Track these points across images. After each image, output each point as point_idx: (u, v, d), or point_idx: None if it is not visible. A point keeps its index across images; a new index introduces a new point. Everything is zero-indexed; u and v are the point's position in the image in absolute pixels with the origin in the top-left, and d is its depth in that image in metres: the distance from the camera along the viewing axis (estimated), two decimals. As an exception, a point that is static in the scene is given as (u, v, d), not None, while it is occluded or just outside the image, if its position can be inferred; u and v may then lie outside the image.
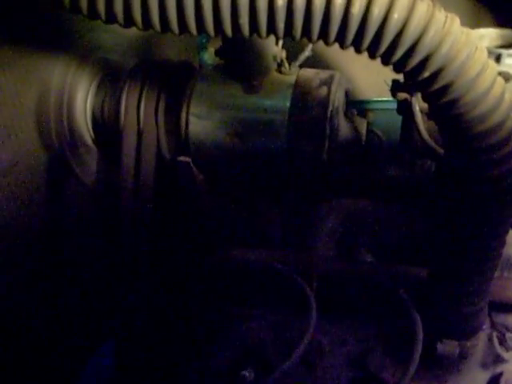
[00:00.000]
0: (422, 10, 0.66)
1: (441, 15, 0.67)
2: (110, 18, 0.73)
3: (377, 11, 0.65)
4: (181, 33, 0.72)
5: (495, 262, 0.85)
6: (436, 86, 0.69)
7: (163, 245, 1.24)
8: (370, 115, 1.58)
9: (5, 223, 1.06)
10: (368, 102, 1.58)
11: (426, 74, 0.68)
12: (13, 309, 1.13)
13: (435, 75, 0.68)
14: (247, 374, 1.02)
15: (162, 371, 1.19)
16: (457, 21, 0.68)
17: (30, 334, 1.16)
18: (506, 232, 0.81)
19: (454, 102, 0.69)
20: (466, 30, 0.70)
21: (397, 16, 0.65)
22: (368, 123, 1.29)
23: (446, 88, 0.68)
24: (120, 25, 0.74)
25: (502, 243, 0.82)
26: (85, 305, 1.27)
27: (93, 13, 0.73)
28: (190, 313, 1.14)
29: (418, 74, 0.68)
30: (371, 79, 1.31)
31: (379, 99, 1.52)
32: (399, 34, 0.65)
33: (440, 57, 0.66)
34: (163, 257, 1.24)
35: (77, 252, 1.27)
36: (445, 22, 0.67)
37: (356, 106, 1.41)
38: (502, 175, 0.75)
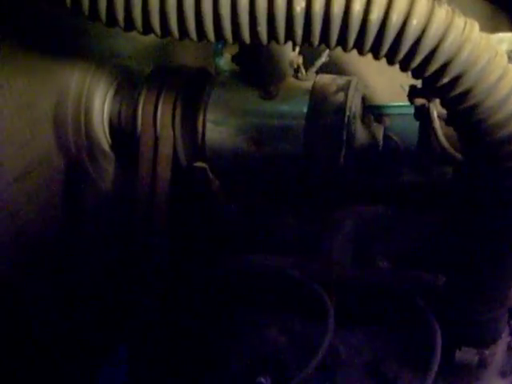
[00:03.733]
0: (440, 16, 0.66)
1: (460, 21, 0.67)
2: (129, 25, 0.73)
3: (395, 18, 0.65)
4: (199, 40, 0.72)
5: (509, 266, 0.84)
6: (455, 92, 0.68)
7: (178, 250, 1.25)
8: (387, 120, 1.58)
9: (22, 227, 1.07)
10: (384, 106, 1.58)
11: (445, 80, 0.68)
12: (28, 312, 1.14)
13: (454, 81, 0.67)
14: (264, 381, 1.03)
15: (177, 378, 1.20)
16: (476, 26, 0.68)
17: (45, 338, 1.17)
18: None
19: (473, 108, 0.69)
20: (485, 35, 0.70)
21: (415, 22, 0.65)
22: (384, 128, 1.29)
23: (465, 94, 0.68)
24: (139, 32, 0.75)
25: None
26: (99, 309, 1.29)
27: (112, 20, 0.74)
28: (205, 319, 1.14)
29: (437, 80, 0.68)
30: (387, 84, 1.31)
31: (395, 104, 1.52)
32: (418, 41, 0.65)
33: (459, 63, 0.66)
34: (178, 262, 1.25)
35: (93, 255, 1.28)
36: (464, 27, 0.67)
37: (372, 110, 1.41)
38: None
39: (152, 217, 1.17)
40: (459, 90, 0.68)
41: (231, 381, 1.07)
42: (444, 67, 0.67)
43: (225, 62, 1.26)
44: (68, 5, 0.76)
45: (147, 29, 0.73)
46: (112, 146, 1.23)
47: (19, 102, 1.05)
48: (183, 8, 0.69)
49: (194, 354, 1.15)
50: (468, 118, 0.70)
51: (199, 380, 1.11)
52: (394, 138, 1.49)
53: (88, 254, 1.26)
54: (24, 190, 1.07)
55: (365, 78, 1.49)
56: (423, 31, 0.65)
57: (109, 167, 1.25)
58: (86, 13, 0.75)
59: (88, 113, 1.18)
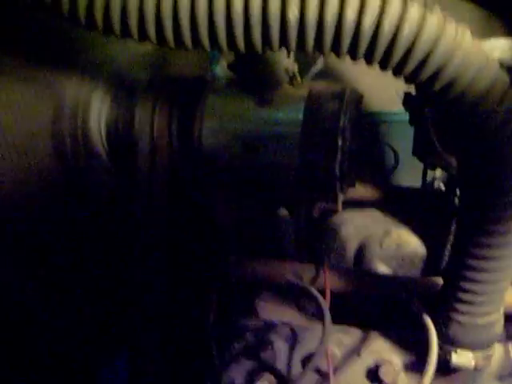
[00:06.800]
0: (432, 22, 0.67)
1: (451, 28, 0.68)
2: (125, 33, 0.75)
3: (388, 25, 0.66)
4: (194, 48, 0.74)
5: (508, 272, 0.85)
6: (449, 97, 0.70)
7: (177, 255, 1.26)
8: (383, 127, 1.60)
9: (21, 232, 1.09)
10: (380, 113, 1.60)
11: (438, 85, 0.70)
12: (26, 317, 1.16)
13: (447, 87, 0.69)
14: None
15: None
16: (467, 33, 0.70)
17: (43, 338, 1.18)
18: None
19: (467, 112, 0.70)
20: (477, 41, 0.71)
21: (408, 29, 0.67)
22: (380, 135, 1.30)
23: (458, 99, 0.70)
24: (134, 39, 0.77)
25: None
26: (98, 312, 1.30)
27: (108, 28, 0.75)
28: (204, 324, 1.15)
29: (430, 86, 0.70)
30: (383, 91, 1.33)
31: (391, 111, 1.53)
32: (410, 47, 0.67)
33: (451, 69, 0.68)
34: (178, 267, 1.26)
35: (91, 261, 1.29)
36: (456, 34, 0.68)
37: (368, 118, 1.43)
38: None
39: (151, 223, 1.19)
40: (452, 95, 0.69)
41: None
42: (436, 73, 0.68)
43: (221, 69, 1.28)
44: (65, 13, 0.77)
45: (143, 36, 0.75)
46: (109, 154, 1.24)
47: (17, 114, 1.07)
48: (178, 17, 0.71)
49: (193, 359, 1.17)
50: (463, 120, 0.72)
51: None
52: (390, 143, 1.52)
53: (87, 259, 1.28)
54: (24, 197, 1.10)
55: (361, 85, 1.51)
56: (415, 38, 0.67)
57: (105, 174, 1.26)
58: (83, 21, 0.76)
59: (85, 121, 1.19)
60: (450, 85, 0.68)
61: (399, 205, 1.28)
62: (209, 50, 0.75)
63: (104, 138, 1.21)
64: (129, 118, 1.18)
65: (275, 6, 0.68)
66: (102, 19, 0.75)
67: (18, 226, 1.09)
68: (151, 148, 1.15)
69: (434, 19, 0.67)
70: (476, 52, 0.69)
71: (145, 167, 1.16)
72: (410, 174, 1.47)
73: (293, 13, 0.67)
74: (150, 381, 1.19)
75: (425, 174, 1.34)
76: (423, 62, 0.67)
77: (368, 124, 1.39)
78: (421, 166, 1.24)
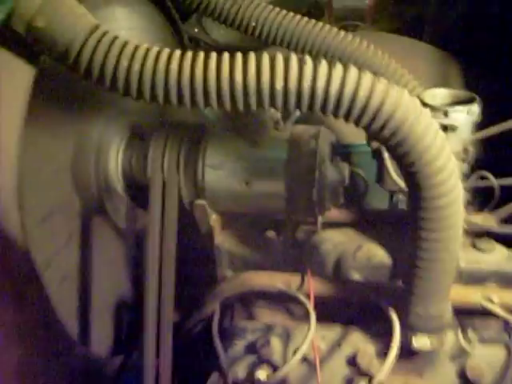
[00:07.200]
0: (380, 88, 0.91)
1: (393, 90, 0.92)
2: (139, 97, 0.99)
3: (347, 91, 0.90)
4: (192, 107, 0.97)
5: (449, 271, 1.07)
6: (393, 142, 0.92)
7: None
8: (354, 157, 1.82)
9: (43, 264, 1.20)
10: (352, 146, 1.82)
11: (385, 133, 0.92)
12: None
13: (392, 134, 0.91)
14: (261, 376, 1.22)
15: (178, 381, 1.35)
16: (405, 93, 0.93)
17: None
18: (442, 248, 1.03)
19: (407, 153, 0.93)
20: (413, 98, 0.95)
21: (362, 94, 0.90)
22: (351, 164, 1.52)
23: (401, 142, 0.92)
24: (147, 102, 1.00)
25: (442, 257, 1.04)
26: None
27: (127, 93, 0.99)
28: (210, 327, 1.33)
29: (379, 133, 0.93)
30: (353, 127, 1.51)
31: (361, 143, 1.74)
32: (364, 107, 0.90)
33: (394, 121, 0.90)
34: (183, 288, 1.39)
35: (107, 296, 1.46)
36: (397, 95, 0.92)
37: (342, 149, 1.63)
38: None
39: (162, 248, 1.32)
40: (396, 140, 0.92)
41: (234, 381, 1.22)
42: (384, 125, 0.91)
43: (209, 111, 1.50)
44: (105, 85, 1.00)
45: (153, 99, 0.98)
46: (126, 190, 1.44)
47: (42, 156, 1.22)
48: (181, 85, 0.93)
49: (197, 358, 1.34)
50: (405, 159, 0.95)
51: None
52: (360, 172, 1.74)
53: (104, 289, 1.44)
54: (48, 230, 1.24)
55: (333, 123, 1.73)
56: (368, 100, 0.91)
57: (122, 206, 1.46)
58: (108, 86, 0.99)
59: (105, 162, 1.38)
60: (394, 132, 0.90)
61: (369, 224, 1.43)
62: (216, 109, 0.98)
63: (120, 175, 1.40)
64: (142, 158, 1.38)
65: (266, 79, 0.92)
66: (123, 87, 0.98)
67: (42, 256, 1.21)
68: (162, 183, 1.33)
69: (380, 86, 0.91)
70: (412, 107, 0.92)
71: (158, 199, 1.32)
72: (378, 198, 1.69)
73: (279, 84, 0.91)
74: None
75: (391, 197, 1.56)
76: (374, 117, 0.90)
77: (341, 155, 1.59)
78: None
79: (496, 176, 1.39)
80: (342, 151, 1.62)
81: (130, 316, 1.50)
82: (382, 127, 0.91)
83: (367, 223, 1.43)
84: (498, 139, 1.41)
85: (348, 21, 2.59)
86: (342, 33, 1.45)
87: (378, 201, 1.64)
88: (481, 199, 1.45)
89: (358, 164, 1.74)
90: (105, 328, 1.45)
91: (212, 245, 1.41)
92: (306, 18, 1.46)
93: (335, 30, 1.44)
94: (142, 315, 1.30)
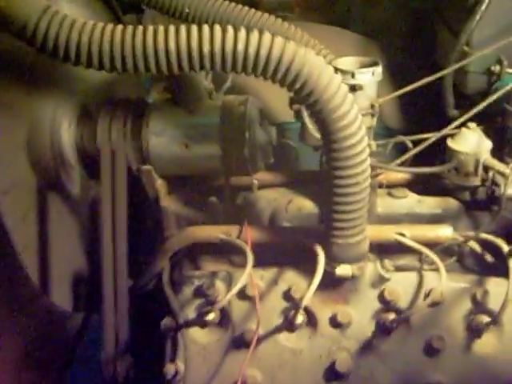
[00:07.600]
0: (290, 48, 1.09)
1: (301, 50, 1.09)
2: (89, 65, 1.13)
3: (263, 52, 1.07)
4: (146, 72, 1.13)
5: (361, 205, 1.23)
6: (304, 92, 1.10)
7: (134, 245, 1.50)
8: (287, 133, 1.99)
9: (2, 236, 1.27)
10: (284, 123, 1.99)
11: (297, 85, 1.10)
12: None
13: (303, 86, 1.09)
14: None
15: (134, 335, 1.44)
16: (312, 52, 1.11)
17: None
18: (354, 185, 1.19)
19: (316, 102, 1.11)
20: (318, 57, 1.13)
21: (275, 53, 1.07)
22: (283, 134, 1.68)
23: (310, 93, 1.10)
24: (95, 68, 1.14)
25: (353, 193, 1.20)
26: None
27: (78, 62, 1.13)
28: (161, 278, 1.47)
29: (292, 87, 1.11)
30: (284, 104, 1.63)
31: (291, 121, 1.87)
32: (277, 65, 1.07)
33: (303, 74, 1.08)
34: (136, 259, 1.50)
35: (67, 259, 1.56)
36: (304, 54, 1.10)
37: (276, 127, 1.77)
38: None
39: (114, 213, 1.45)
40: (306, 91, 1.08)
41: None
42: (295, 78, 1.08)
43: (152, 95, 1.66)
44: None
45: (101, 67, 1.12)
46: (78, 161, 1.56)
47: None
48: (124, 53, 1.09)
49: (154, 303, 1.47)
50: (314, 107, 1.11)
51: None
52: (290, 142, 1.92)
53: (62, 257, 1.53)
54: (7, 205, 1.31)
55: (265, 99, 1.90)
56: (280, 58, 1.07)
57: (77, 177, 1.58)
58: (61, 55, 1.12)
59: (59, 138, 1.50)
60: (304, 83, 1.07)
61: (299, 182, 1.62)
62: (155, 73, 1.14)
63: (74, 148, 1.53)
64: (92, 132, 1.51)
65: (195, 44, 1.09)
66: (74, 57, 1.12)
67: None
68: (111, 153, 1.45)
69: (291, 46, 1.08)
70: (319, 63, 1.09)
71: (107, 167, 1.43)
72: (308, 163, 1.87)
73: (206, 47, 1.09)
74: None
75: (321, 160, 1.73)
76: (286, 72, 1.07)
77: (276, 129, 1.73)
78: (315, 156, 1.58)
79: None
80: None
81: (89, 278, 1.61)
82: (294, 81, 1.07)
83: (298, 182, 1.62)
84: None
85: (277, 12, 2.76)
86: (272, 17, 1.62)
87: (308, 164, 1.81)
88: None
89: (289, 137, 1.93)
90: (66, 283, 1.55)
91: (159, 207, 1.53)
92: (239, 6, 1.62)
93: (266, 15, 1.61)
94: (101, 275, 1.41)
